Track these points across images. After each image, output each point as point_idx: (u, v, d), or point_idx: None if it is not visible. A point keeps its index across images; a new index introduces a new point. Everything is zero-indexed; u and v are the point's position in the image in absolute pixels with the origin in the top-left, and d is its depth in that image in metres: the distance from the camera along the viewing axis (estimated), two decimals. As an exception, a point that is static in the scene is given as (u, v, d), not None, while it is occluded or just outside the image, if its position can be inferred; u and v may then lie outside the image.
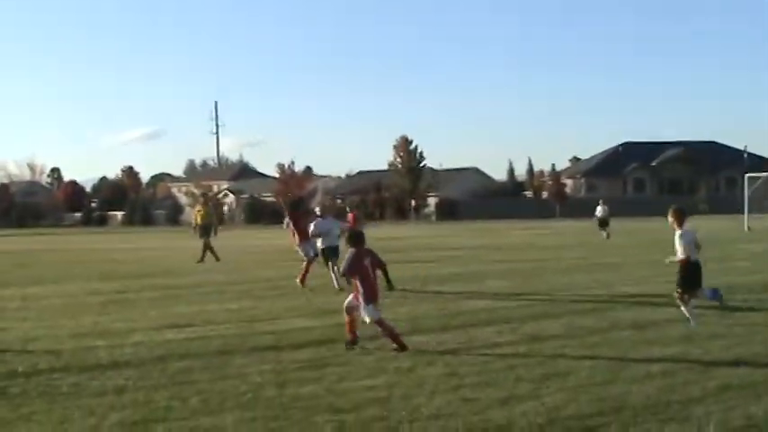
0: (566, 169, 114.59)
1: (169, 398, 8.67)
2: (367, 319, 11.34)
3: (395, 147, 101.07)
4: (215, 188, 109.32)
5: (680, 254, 12.56)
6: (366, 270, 11.49)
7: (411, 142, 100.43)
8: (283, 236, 28.67)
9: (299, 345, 11.76)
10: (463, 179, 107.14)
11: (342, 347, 11.40)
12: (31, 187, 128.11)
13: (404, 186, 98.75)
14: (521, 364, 10.08)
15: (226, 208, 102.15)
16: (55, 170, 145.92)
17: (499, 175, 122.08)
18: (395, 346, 11.15)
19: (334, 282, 18.54)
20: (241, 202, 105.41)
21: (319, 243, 19.43)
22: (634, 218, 66.58)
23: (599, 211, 42.39)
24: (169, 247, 30.10)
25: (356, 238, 11.95)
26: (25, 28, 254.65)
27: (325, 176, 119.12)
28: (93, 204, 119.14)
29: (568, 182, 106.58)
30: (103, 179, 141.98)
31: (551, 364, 10.12)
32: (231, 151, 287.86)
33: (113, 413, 8.09)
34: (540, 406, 8.01)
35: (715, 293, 13.19)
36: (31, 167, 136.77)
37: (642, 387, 8.75)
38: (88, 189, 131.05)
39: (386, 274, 12.92)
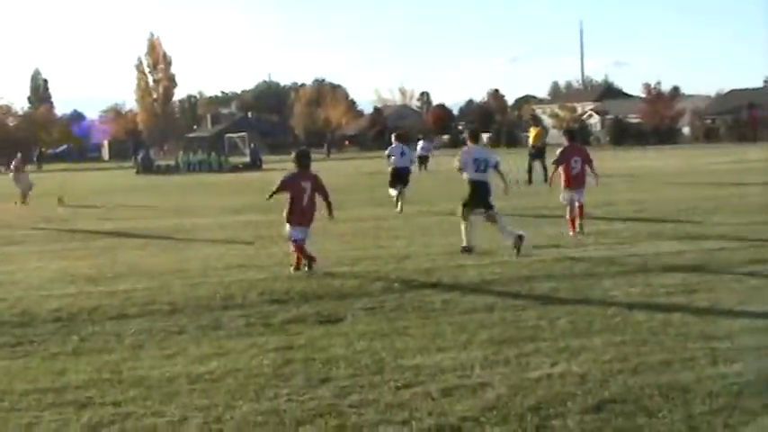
0: None
1: (537, 318, 8.78)
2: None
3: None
4: (579, 109, 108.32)
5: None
6: (301, 190, 12.01)
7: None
8: (655, 158, 27.74)
9: (667, 268, 11.45)
10: None
11: (713, 274, 10.97)
12: (403, 111, 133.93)
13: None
14: None
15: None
16: (424, 94, 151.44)
17: None
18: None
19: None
20: (606, 123, 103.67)
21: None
22: None
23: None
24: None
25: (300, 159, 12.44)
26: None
27: (692, 96, 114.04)
28: (460, 127, 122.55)
29: None
30: (470, 102, 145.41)
31: None
32: (596, 72, 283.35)
33: (483, 330, 8.34)
34: None
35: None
36: (402, 92, 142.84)
37: None
38: (455, 112, 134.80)
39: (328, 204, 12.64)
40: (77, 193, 34.71)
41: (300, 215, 12.04)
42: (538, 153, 30.17)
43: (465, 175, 13.61)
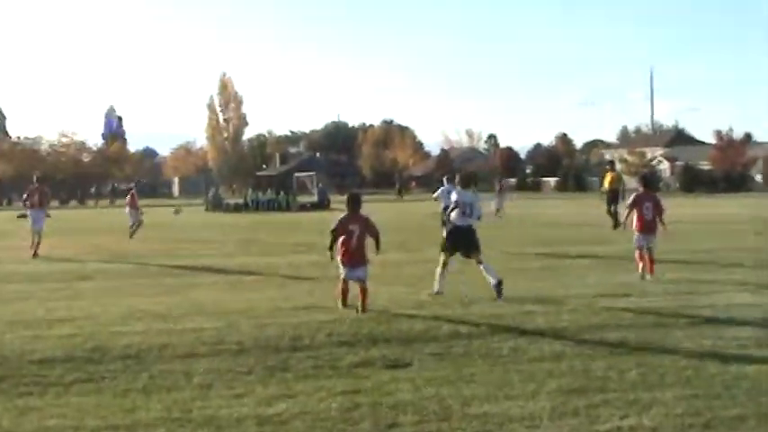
0: None
1: (606, 368, 8.67)
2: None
3: None
4: (648, 155, 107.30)
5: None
6: (350, 233, 12.60)
7: None
8: (726, 205, 27.29)
9: (739, 321, 11.24)
10: None
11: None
12: (470, 153, 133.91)
13: None
14: None
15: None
16: (492, 137, 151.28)
17: None
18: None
19: None
20: (676, 169, 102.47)
21: None
22: None
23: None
24: (600, 213, 30.25)
25: (350, 203, 13.04)
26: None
27: (765, 143, 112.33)
28: (528, 170, 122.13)
29: None
30: (538, 146, 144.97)
31: None
32: (666, 117, 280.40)
33: (551, 379, 8.25)
34: None
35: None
36: (470, 134, 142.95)
37: None
38: (523, 155, 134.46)
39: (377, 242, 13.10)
40: (147, 228, 35.18)
41: (350, 256, 12.64)
42: (614, 197, 30.07)
43: (452, 216, 13.92)
